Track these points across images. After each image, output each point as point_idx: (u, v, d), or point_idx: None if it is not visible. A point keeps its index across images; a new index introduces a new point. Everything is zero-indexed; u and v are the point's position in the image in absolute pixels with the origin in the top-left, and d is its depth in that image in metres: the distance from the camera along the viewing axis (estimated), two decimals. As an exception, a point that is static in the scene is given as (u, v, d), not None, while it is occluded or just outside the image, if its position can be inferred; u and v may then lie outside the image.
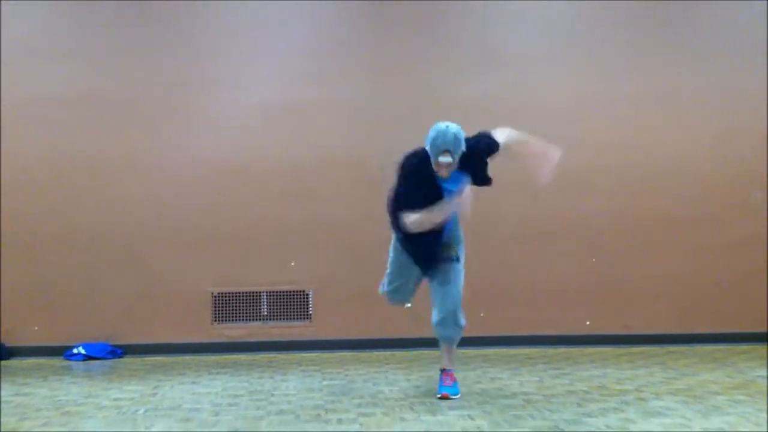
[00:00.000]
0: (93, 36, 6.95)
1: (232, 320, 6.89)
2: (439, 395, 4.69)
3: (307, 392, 5.00)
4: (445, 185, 4.56)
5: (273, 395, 4.91)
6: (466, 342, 6.65)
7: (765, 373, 5.40)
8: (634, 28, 7.14)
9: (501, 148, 4.65)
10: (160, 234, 6.84)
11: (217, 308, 6.87)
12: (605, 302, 6.95)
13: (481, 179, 4.72)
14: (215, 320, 6.88)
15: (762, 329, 6.87)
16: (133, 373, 5.89)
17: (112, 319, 6.77)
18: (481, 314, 6.85)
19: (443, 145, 4.38)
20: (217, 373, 5.81)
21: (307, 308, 6.93)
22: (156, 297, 6.81)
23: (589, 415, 4.22)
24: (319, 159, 6.92)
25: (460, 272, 4.79)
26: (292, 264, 6.87)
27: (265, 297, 6.91)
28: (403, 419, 4.20)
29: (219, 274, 6.88)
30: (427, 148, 4.46)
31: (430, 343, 5.40)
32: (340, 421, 4.17)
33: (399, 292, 4.99)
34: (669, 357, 6.21)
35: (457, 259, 4.77)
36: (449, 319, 4.72)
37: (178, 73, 6.95)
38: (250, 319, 6.91)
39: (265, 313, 6.92)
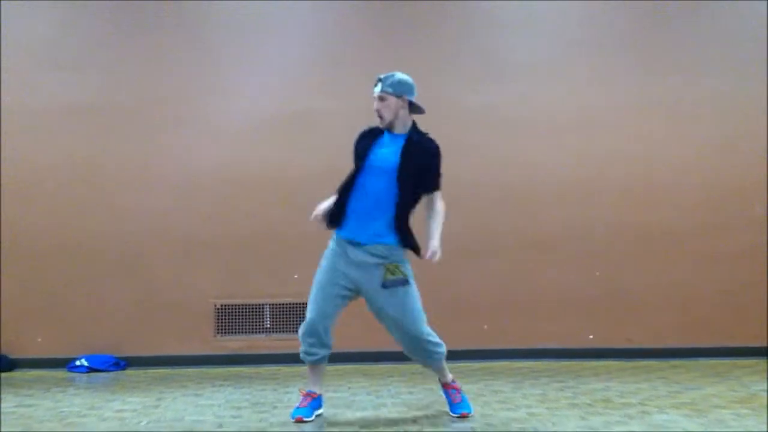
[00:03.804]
0: (93, 46, 6.98)
1: (235, 332, 6.89)
2: (457, 415, 4.52)
3: (309, 405, 4.99)
4: (380, 150, 4.60)
5: (276, 407, 4.91)
6: (469, 355, 6.70)
7: (768, 387, 5.39)
8: (636, 40, 7.16)
9: (433, 194, 4.51)
10: (163, 245, 6.85)
11: (220, 320, 6.88)
12: (608, 315, 6.93)
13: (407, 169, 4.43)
14: (218, 332, 6.88)
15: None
16: (135, 384, 5.89)
17: (115, 330, 6.77)
18: (485, 327, 6.86)
19: (379, 77, 4.57)
20: (220, 385, 5.81)
21: (310, 321, 6.91)
22: (159, 309, 6.81)
23: (593, 428, 4.21)
24: (321, 169, 6.90)
25: (413, 295, 4.40)
26: (296, 277, 6.88)
27: (268, 309, 6.92)
28: (405, 432, 4.21)
29: (222, 285, 6.88)
30: None
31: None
32: (342, 433, 4.17)
33: (313, 326, 4.39)
34: (672, 371, 6.19)
35: (407, 282, 4.39)
36: (417, 352, 4.46)
37: (180, 82, 6.97)
38: (253, 332, 6.91)
39: (268, 325, 6.92)
